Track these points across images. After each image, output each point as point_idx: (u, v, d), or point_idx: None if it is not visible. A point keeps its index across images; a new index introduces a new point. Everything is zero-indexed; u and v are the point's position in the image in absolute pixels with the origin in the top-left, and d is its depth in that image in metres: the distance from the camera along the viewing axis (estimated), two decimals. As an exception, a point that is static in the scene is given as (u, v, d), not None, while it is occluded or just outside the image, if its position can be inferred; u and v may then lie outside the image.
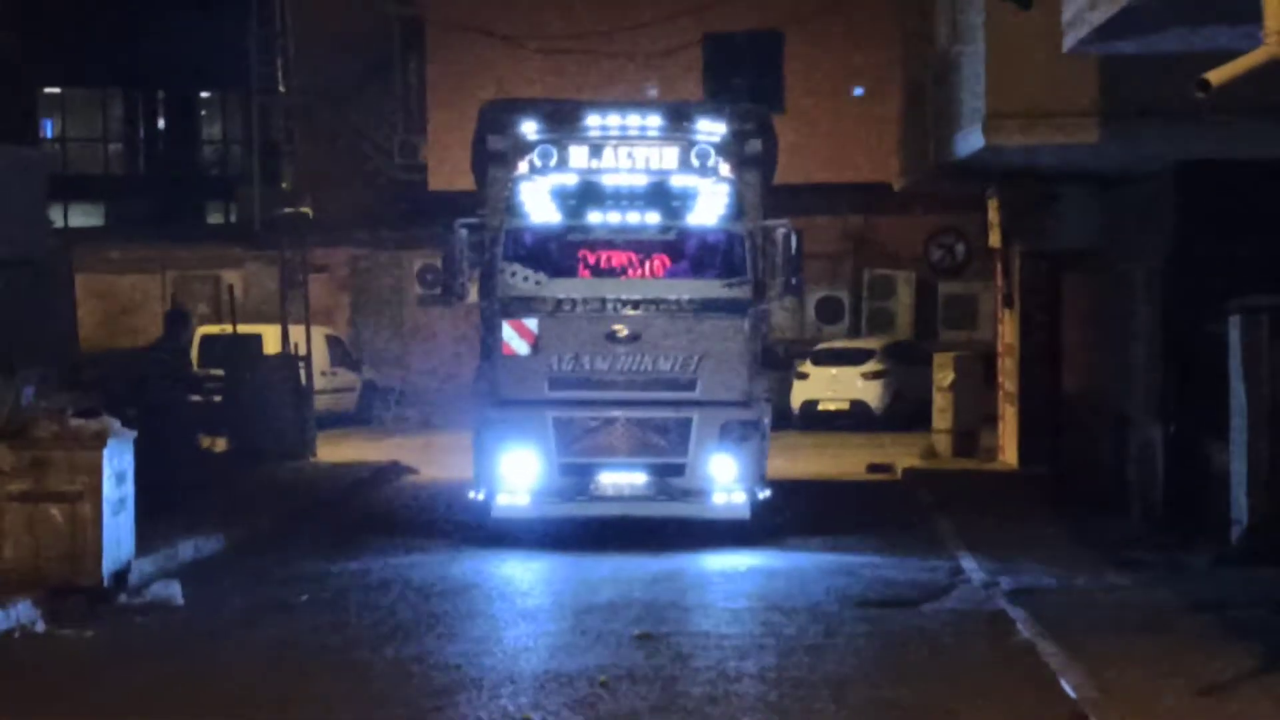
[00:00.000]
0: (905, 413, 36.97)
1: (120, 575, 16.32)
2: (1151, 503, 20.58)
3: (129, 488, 16.48)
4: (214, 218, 60.22)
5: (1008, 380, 28.97)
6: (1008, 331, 29.04)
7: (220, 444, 27.72)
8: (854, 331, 43.30)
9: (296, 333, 31.43)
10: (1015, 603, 15.88)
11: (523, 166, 20.33)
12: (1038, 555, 18.60)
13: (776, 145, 21.85)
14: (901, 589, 17.28)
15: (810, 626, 15.25)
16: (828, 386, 38.40)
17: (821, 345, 40.42)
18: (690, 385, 19.97)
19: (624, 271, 20.22)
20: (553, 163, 20.22)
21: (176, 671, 13.56)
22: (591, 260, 20.26)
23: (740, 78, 42.74)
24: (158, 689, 13.00)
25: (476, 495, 20.46)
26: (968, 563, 18.39)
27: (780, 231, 20.43)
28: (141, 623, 15.44)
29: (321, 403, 33.87)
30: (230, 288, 33.72)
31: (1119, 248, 23.38)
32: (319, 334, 36.61)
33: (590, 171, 20.27)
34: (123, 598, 16.11)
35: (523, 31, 43.28)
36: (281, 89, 32.07)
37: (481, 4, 43.60)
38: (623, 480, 20.01)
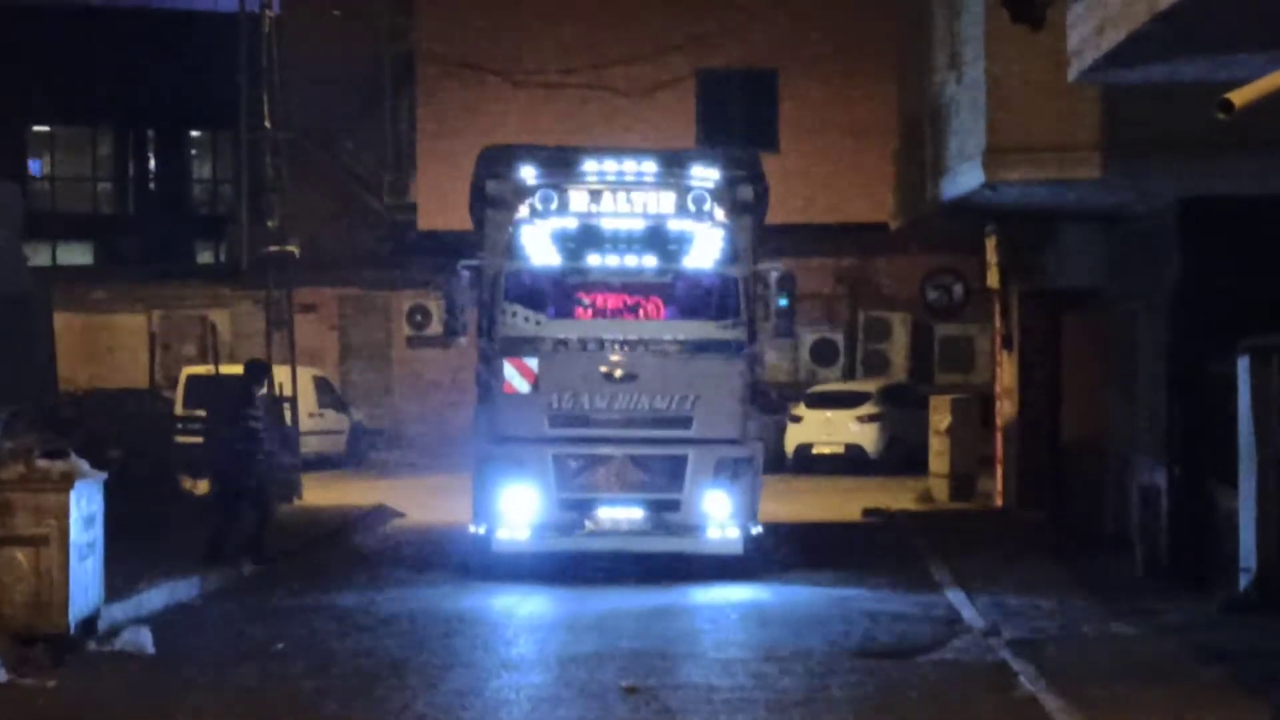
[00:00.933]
0: (901, 456, 36.52)
1: (88, 622, 15.79)
2: (1156, 548, 20.07)
3: (98, 531, 15.95)
4: (204, 257, 59.92)
5: (1006, 423, 28.48)
6: (1006, 373, 28.56)
7: (202, 486, 27.13)
8: (849, 374, 42.82)
9: (283, 373, 30.93)
10: (1017, 653, 15.39)
11: (523, 210, 20.84)
12: (1039, 602, 18.15)
13: (768, 189, 22.17)
14: (899, 638, 16.77)
15: (804, 678, 14.71)
16: (822, 429, 37.86)
17: (816, 388, 39.94)
18: (685, 423, 20.47)
19: (621, 313, 20.72)
20: (553, 207, 20.77)
21: (142, 724, 13.04)
22: (590, 301, 20.80)
23: (734, 115, 42.33)
24: (121, 743, 12.49)
25: (477, 530, 20.91)
26: (967, 610, 17.93)
27: (773, 274, 21.17)
28: (109, 672, 14.89)
29: (309, 445, 33.45)
30: (213, 327, 33.25)
31: (1122, 286, 22.92)
32: (306, 375, 36.12)
33: (589, 215, 20.79)
34: (91, 646, 15.59)
35: (515, 68, 42.93)
36: (267, 124, 31.50)
37: (473, 41, 43.23)
38: (620, 515, 20.53)
